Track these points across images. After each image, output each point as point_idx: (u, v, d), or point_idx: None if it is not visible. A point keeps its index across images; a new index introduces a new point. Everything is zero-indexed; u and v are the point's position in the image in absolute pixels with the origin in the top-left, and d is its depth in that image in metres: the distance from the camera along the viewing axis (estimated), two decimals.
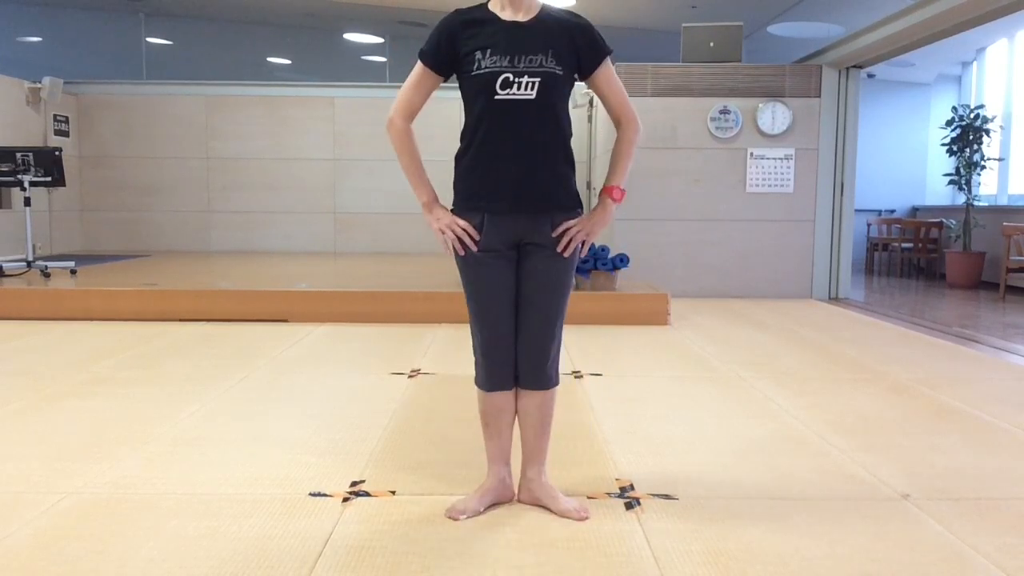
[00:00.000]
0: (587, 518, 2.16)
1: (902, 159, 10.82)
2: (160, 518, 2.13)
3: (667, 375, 3.99)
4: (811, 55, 7.33)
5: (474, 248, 2.10)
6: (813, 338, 5.07)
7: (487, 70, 2.00)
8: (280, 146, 9.36)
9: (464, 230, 2.09)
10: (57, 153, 6.60)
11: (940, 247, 9.42)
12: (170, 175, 9.35)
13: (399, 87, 2.17)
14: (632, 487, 2.41)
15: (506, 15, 2.06)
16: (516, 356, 2.16)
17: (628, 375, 3.98)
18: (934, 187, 10.60)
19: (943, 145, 8.54)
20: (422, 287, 5.77)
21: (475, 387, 2.23)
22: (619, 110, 2.18)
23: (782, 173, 7.03)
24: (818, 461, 2.67)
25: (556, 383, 2.22)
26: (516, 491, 2.28)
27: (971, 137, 8.24)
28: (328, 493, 2.33)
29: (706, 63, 7.02)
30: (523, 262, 2.13)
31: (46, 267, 6.32)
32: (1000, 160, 8.96)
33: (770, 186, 7.04)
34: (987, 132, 8.21)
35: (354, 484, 2.41)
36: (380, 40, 10.67)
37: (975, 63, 10.17)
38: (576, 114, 8.33)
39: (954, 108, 8.52)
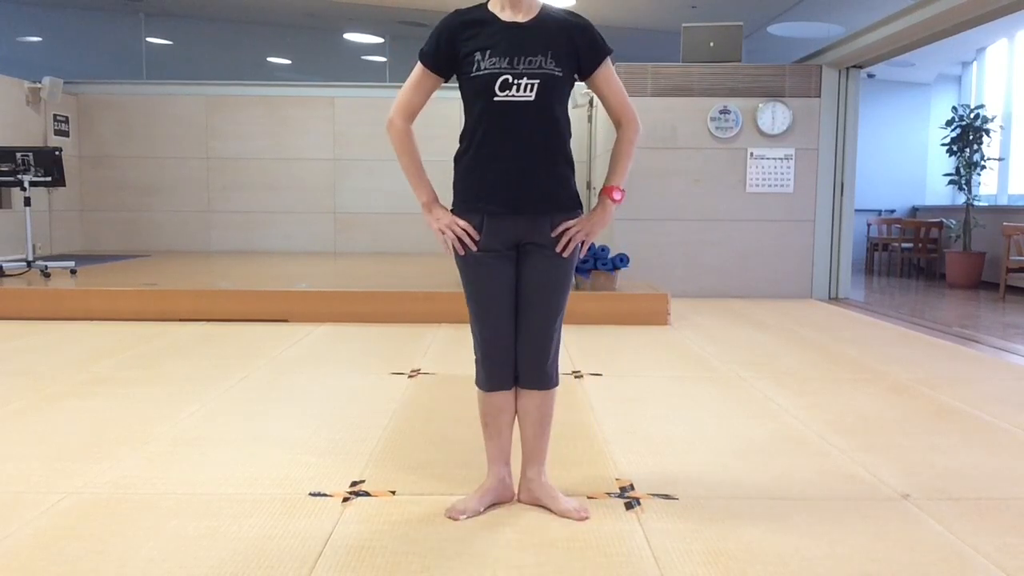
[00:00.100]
0: (587, 518, 2.16)
1: (902, 159, 10.82)
2: (160, 518, 2.13)
3: (667, 375, 3.99)
4: (811, 55, 7.33)
5: (474, 248, 2.10)
6: (813, 338, 5.07)
7: (486, 71, 2.00)
8: (280, 146, 9.36)
9: (464, 230, 2.09)
10: (57, 153, 6.60)
11: (940, 247, 9.42)
12: (170, 175, 9.36)
13: (399, 87, 2.17)
14: (632, 487, 2.41)
15: (506, 16, 2.05)
16: (516, 356, 2.17)
17: (628, 375, 3.98)
18: (934, 187, 10.60)
19: (943, 145, 8.54)
20: (422, 287, 5.77)
21: (475, 387, 2.23)
22: (619, 110, 2.17)
23: (782, 173, 7.03)
24: (818, 461, 2.67)
25: (556, 383, 2.22)
26: (516, 491, 2.28)
27: (971, 137, 8.24)
28: (328, 493, 2.33)
29: (706, 63, 7.02)
30: (523, 262, 2.13)
31: (46, 267, 6.32)
32: (1000, 160, 8.97)
33: (770, 186, 7.04)
34: (987, 132, 8.21)
35: (354, 484, 2.41)
36: (380, 40, 10.67)
37: (975, 63, 10.17)
38: (576, 114, 8.34)
39: (954, 108, 8.53)
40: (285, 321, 5.42)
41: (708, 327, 5.44)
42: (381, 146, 8.69)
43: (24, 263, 6.37)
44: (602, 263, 5.66)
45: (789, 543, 2.03)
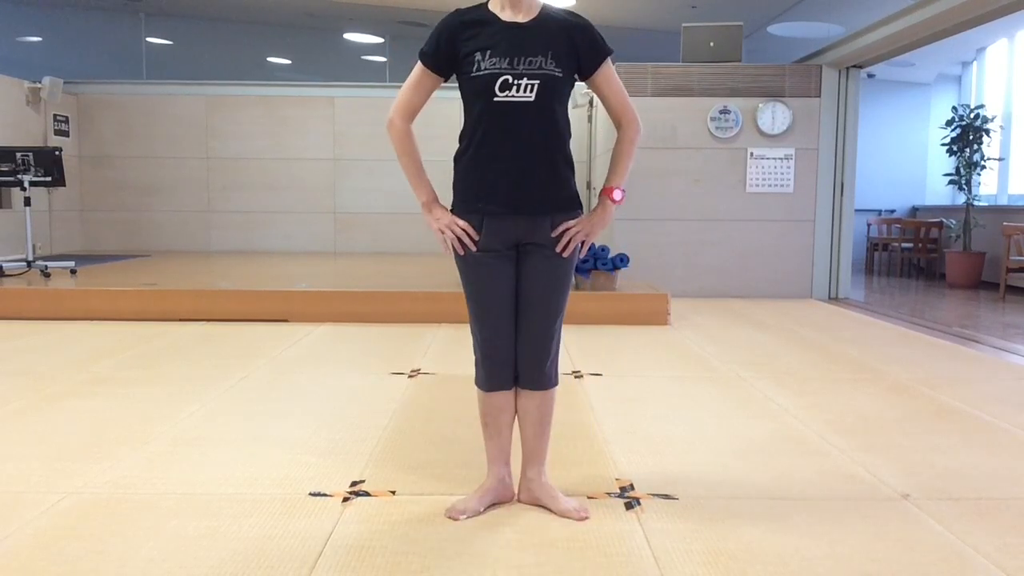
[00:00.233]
0: (587, 518, 2.16)
1: (902, 159, 10.82)
2: (160, 518, 2.13)
3: (667, 375, 3.99)
4: (811, 55, 7.33)
5: (473, 248, 2.10)
6: (813, 338, 5.07)
7: (486, 72, 2.00)
8: (280, 146, 9.36)
9: (464, 230, 2.09)
10: (57, 153, 6.60)
11: (940, 247, 9.42)
12: (170, 175, 9.36)
13: (399, 87, 2.17)
14: (632, 487, 2.41)
15: (506, 16, 2.05)
16: (516, 356, 2.17)
17: (628, 375, 3.98)
18: (934, 187, 10.60)
19: (943, 145, 8.54)
20: (422, 287, 5.77)
21: (475, 387, 2.23)
22: (619, 110, 2.17)
23: (782, 173, 7.03)
24: (818, 461, 2.67)
25: (556, 383, 2.22)
26: (516, 491, 2.28)
27: (971, 137, 8.23)
28: (328, 493, 2.33)
29: (706, 63, 7.02)
30: (523, 262, 2.13)
31: (46, 267, 6.32)
32: (1000, 160, 8.96)
33: (770, 186, 7.04)
34: (987, 132, 8.21)
35: (354, 484, 2.41)
36: (380, 40, 10.67)
37: (975, 63, 10.17)
38: (576, 114, 8.34)
39: (954, 108, 8.52)
40: (285, 321, 5.42)
41: (708, 327, 5.44)
42: (381, 146, 8.70)
43: (24, 263, 6.37)
44: (602, 263, 5.66)
45: (789, 543, 2.03)
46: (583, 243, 2.14)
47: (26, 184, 6.38)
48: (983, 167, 8.34)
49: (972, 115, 8.26)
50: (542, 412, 2.22)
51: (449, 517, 2.16)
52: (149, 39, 10.15)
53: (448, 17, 2.09)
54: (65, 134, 9.03)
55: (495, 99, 2.01)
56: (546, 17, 2.08)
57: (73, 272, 6.55)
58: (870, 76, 9.93)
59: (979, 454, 2.76)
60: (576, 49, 2.07)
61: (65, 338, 4.75)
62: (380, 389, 3.61)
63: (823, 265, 7.17)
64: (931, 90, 10.76)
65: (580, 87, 5.37)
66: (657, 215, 7.06)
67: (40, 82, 8.41)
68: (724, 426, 3.09)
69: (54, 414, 3.13)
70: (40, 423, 3.01)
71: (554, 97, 2.05)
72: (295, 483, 2.41)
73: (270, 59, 11.49)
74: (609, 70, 2.13)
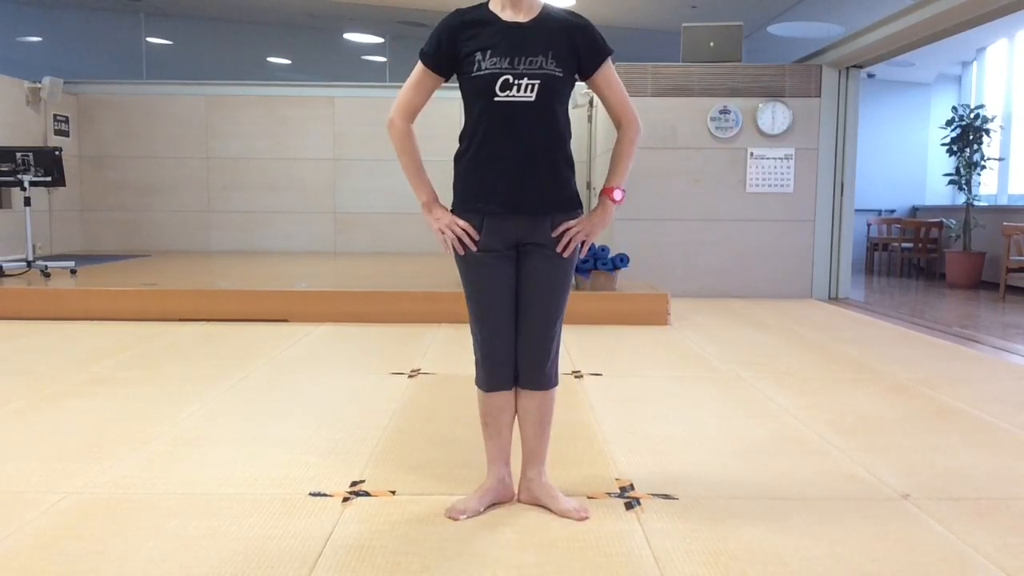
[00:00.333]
0: (587, 518, 2.16)
1: (902, 159, 10.82)
2: (160, 518, 2.13)
3: (667, 375, 3.99)
4: (811, 55, 7.33)
5: (473, 248, 2.10)
6: (813, 338, 5.07)
7: (487, 71, 2.00)
8: (280, 146, 9.36)
9: (464, 230, 2.09)
10: (57, 153, 6.60)
11: (940, 247, 9.42)
12: (170, 175, 9.35)
13: (399, 87, 2.17)
14: (632, 487, 2.41)
15: (507, 16, 2.05)
16: (516, 356, 2.17)
17: (628, 375, 3.98)
18: (934, 187, 10.60)
19: (943, 145, 8.54)
20: (422, 287, 5.77)
21: (475, 387, 2.23)
22: (620, 111, 2.17)
23: (782, 173, 7.03)
24: (818, 461, 2.67)
25: (556, 383, 2.22)
26: (516, 491, 2.28)
27: (971, 137, 8.23)
28: (328, 493, 2.33)
29: (706, 63, 7.02)
30: (523, 262, 2.13)
31: (46, 267, 6.32)
32: (1000, 160, 8.96)
33: (770, 186, 7.05)
34: (987, 132, 8.21)
35: (354, 484, 2.41)
36: (380, 40, 10.67)
37: (975, 63, 10.17)
38: (576, 114, 8.34)
39: (954, 108, 8.52)
40: (285, 321, 5.42)
41: (708, 327, 5.44)
42: (381, 146, 8.70)
43: (24, 263, 6.37)
44: (602, 263, 5.66)
45: (789, 543, 2.03)
46: (583, 243, 2.14)
47: (26, 184, 6.38)
48: (983, 167, 8.34)
49: (972, 115, 8.26)
50: (542, 412, 2.22)
51: (449, 517, 2.16)
52: (149, 39, 10.15)
53: (449, 17, 2.09)
54: (65, 134, 9.03)
55: (495, 99, 2.01)
56: (546, 17, 2.08)
57: (73, 272, 6.54)
58: (870, 76, 9.93)
59: (979, 454, 2.76)
60: (576, 49, 2.07)
61: (65, 338, 4.75)
62: (380, 389, 3.60)
63: (823, 265, 7.17)
64: (931, 90, 10.76)
65: (580, 87, 5.37)
66: (657, 215, 7.06)
67: (40, 82, 8.41)
68: (724, 426, 3.09)
69: (54, 414, 3.13)
70: (40, 423, 3.01)
71: (555, 97, 2.05)
72: (295, 483, 2.41)
73: (270, 59, 11.49)
74: (609, 70, 2.13)
